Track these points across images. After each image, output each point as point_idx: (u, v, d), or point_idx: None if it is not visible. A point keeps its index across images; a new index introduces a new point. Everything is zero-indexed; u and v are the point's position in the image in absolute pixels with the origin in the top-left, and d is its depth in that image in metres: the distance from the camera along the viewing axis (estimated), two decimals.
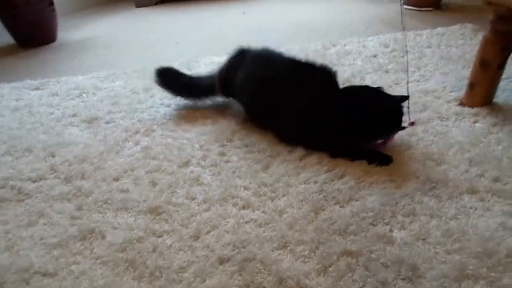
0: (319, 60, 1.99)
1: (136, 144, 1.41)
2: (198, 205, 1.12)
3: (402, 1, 2.77)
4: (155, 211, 1.10)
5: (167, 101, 1.69)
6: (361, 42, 2.20)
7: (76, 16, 3.13)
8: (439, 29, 2.32)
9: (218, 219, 1.06)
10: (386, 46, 2.12)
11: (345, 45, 2.18)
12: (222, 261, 0.94)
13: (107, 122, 1.55)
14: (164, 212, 1.10)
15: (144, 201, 1.14)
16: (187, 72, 1.93)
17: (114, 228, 1.05)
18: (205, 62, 2.06)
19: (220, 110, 1.61)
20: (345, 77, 1.79)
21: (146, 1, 3.36)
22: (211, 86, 1.56)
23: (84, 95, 1.78)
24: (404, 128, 1.30)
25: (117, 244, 0.99)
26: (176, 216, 1.08)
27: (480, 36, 2.14)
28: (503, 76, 1.61)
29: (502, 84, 1.60)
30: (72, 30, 2.78)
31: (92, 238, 1.02)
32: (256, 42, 2.42)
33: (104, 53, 2.34)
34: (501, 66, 1.40)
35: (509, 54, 1.37)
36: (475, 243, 0.93)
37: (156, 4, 3.41)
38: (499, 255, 0.90)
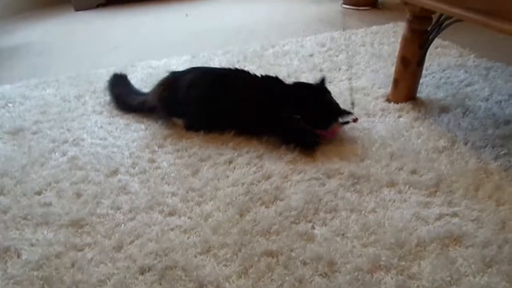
0: (256, 60, 2.03)
1: (63, 154, 1.36)
2: (123, 214, 1.09)
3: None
4: (77, 224, 1.07)
5: (99, 108, 1.64)
6: (299, 42, 2.24)
7: (9, 20, 2.97)
8: (374, 27, 2.40)
9: (142, 227, 1.04)
10: (323, 45, 2.17)
11: (283, 45, 2.21)
12: (143, 271, 0.92)
13: (34, 133, 1.49)
14: (87, 225, 1.07)
15: (67, 214, 1.10)
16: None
17: (32, 245, 1.00)
18: (142, 67, 2.02)
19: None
20: (281, 77, 1.81)
21: (85, 4, 3.25)
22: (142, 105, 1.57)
23: (10, 105, 1.69)
24: (347, 122, 1.35)
25: (33, 262, 0.95)
26: (100, 227, 1.05)
27: None
28: (426, 72, 1.70)
29: (425, 79, 1.70)
30: (2, 36, 2.64)
31: (6, 258, 0.97)
32: (197, 44, 2.43)
33: (37, 60, 2.23)
34: (420, 63, 1.47)
35: (426, 51, 1.44)
36: (389, 235, 0.98)
37: (97, 7, 3.31)
38: (410, 245, 0.94)
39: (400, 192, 1.12)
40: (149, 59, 2.14)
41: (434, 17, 1.38)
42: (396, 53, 1.99)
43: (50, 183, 1.22)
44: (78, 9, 3.25)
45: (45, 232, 1.04)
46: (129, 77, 1.90)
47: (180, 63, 2.04)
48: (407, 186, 1.14)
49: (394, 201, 1.09)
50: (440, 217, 1.02)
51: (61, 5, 3.36)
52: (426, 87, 1.65)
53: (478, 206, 1.05)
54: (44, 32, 2.73)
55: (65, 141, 1.43)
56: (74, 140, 1.44)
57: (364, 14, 2.84)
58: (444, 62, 1.89)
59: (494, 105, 1.50)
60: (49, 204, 1.14)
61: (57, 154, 1.36)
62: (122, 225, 1.06)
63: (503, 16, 1.02)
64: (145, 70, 1.99)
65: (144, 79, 1.87)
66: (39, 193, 1.19)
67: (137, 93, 1.67)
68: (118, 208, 1.12)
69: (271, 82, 1.46)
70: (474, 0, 1.07)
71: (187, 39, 2.47)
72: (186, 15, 2.96)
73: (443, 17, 1.31)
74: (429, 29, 1.40)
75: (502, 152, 1.24)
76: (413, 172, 1.19)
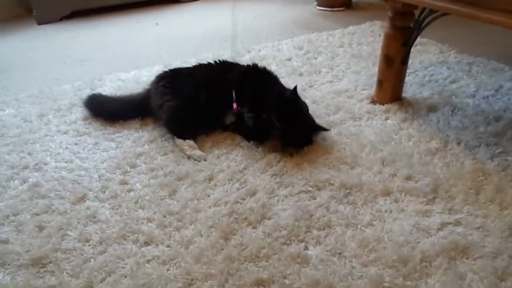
0: None
1: (23, 182, 1.22)
2: (93, 247, 0.97)
3: None
4: (39, 263, 0.93)
5: (64, 127, 1.50)
6: (275, 46, 2.16)
7: None
8: (351, 28, 2.35)
9: (115, 262, 0.92)
10: (300, 49, 2.09)
11: (259, 50, 2.12)
12: None
13: None
14: (50, 263, 0.93)
15: (27, 251, 0.96)
16: (90, 91, 1.77)
17: None
18: (111, 80, 1.89)
19: (128, 129, 1.46)
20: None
21: (48, 17, 3.08)
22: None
23: None
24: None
25: None
26: (65, 265, 0.92)
27: None
28: (409, 70, 1.64)
29: (409, 78, 1.63)
30: None
31: None
32: (168, 54, 2.31)
33: None
34: (404, 61, 1.40)
35: (410, 49, 1.37)
36: (390, 251, 0.89)
37: (60, 20, 3.14)
38: (414, 261, 0.86)
39: (396, 201, 1.04)
40: (118, 71, 2.01)
41: (416, 13, 1.32)
42: (377, 53, 1.94)
43: (7, 216, 1.08)
44: (40, 22, 3.08)
45: (0, 276, 0.90)
46: (96, 91, 1.78)
47: (152, 75, 1.90)
48: (403, 194, 1.06)
49: (391, 212, 1.01)
50: (442, 226, 0.94)
51: (22, 19, 3.18)
52: (410, 86, 1.59)
53: (481, 211, 0.97)
54: (3, 48, 2.55)
55: (26, 167, 1.29)
56: (36, 164, 1.30)
57: (339, 15, 2.79)
58: (425, 60, 1.83)
59: (482, 101, 1.45)
60: (6, 242, 1.00)
61: (16, 182, 1.22)
62: (92, 260, 0.93)
63: (493, 7, 0.95)
64: (114, 83, 1.86)
65: (113, 92, 1.74)
66: None
67: (129, 97, 1.60)
68: (87, 240, 0.99)
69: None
70: None
71: (158, 48, 2.35)
72: (156, 23, 2.84)
73: (425, 12, 1.24)
74: (411, 25, 1.33)
75: (497, 150, 1.17)
76: (408, 178, 1.11)
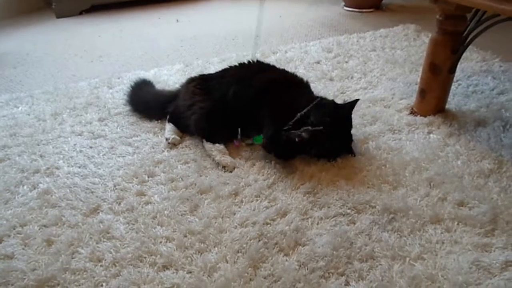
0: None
1: (33, 187, 1.13)
2: (105, 269, 0.87)
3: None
4: (45, 284, 0.84)
5: (79, 128, 1.41)
6: (302, 48, 2.03)
7: None
8: (382, 30, 2.21)
9: (130, 287, 0.82)
10: (329, 51, 1.96)
11: (286, 51, 2.00)
12: None
13: None
14: (58, 285, 0.83)
15: (33, 270, 0.87)
16: (108, 90, 1.68)
17: None
18: (129, 78, 1.79)
19: (146, 132, 1.36)
20: None
21: (68, 10, 3.01)
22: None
23: None
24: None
25: None
26: None
27: (423, 37, 2.06)
28: None
29: (451, 88, 1.49)
30: None
31: None
32: (190, 52, 2.21)
33: (11, 72, 1.99)
34: (452, 70, 1.27)
35: (460, 57, 1.24)
36: None
37: (80, 13, 3.07)
38: None
39: (448, 230, 0.91)
40: (137, 69, 1.92)
41: (469, 16, 1.18)
42: (412, 58, 1.82)
43: (14, 227, 0.99)
44: (60, 16, 3.01)
45: None
46: (114, 89, 1.69)
47: (172, 73, 1.82)
48: (455, 222, 0.93)
49: (443, 243, 0.88)
50: (506, 265, 0.81)
51: (41, 12, 3.12)
52: (454, 97, 1.45)
53: None
54: (21, 41, 2.48)
55: (37, 171, 1.20)
56: (47, 168, 1.20)
57: (368, 16, 2.65)
58: (467, 68, 1.69)
59: None
60: (11, 257, 0.91)
61: (25, 187, 1.13)
62: (104, 285, 0.83)
63: None
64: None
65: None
66: None
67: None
68: (99, 260, 0.89)
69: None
70: None
71: (179, 46, 2.25)
72: (177, 20, 2.74)
73: (485, 16, 1.11)
74: (463, 30, 1.20)
75: None
76: (460, 203, 0.98)
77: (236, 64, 1.42)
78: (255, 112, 1.23)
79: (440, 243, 0.88)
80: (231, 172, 1.15)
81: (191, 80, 1.41)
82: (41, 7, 3.20)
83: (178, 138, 1.29)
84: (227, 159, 1.17)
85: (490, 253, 0.85)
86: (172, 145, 1.27)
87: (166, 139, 1.28)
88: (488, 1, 0.99)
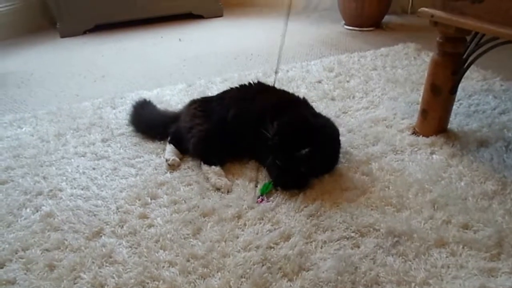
0: None
1: (36, 210, 1.13)
2: None
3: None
4: None
5: (82, 149, 1.41)
6: (304, 67, 2.05)
7: None
8: (383, 49, 2.23)
9: None
10: (331, 70, 1.98)
11: (287, 71, 2.02)
12: None
13: (2, 183, 1.25)
14: None
15: None
16: (111, 110, 1.69)
17: None
18: (132, 98, 1.80)
19: (149, 153, 1.37)
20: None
21: (72, 30, 3.05)
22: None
23: None
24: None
25: None
26: None
27: (424, 56, 2.08)
28: None
29: (453, 107, 1.50)
30: None
31: None
32: (192, 71, 2.23)
33: (15, 92, 2.01)
34: (453, 91, 1.28)
35: (460, 78, 1.25)
36: None
37: (84, 33, 3.11)
38: None
39: (453, 254, 0.91)
40: (140, 89, 1.94)
41: (469, 38, 1.20)
42: (413, 78, 1.83)
43: (16, 251, 0.99)
44: (64, 35, 3.05)
45: None
46: (117, 110, 1.70)
47: (175, 93, 1.84)
48: (460, 246, 0.92)
49: (449, 268, 0.87)
50: None
51: (46, 31, 3.16)
52: (455, 116, 1.46)
53: None
54: (25, 61, 2.51)
55: (40, 193, 1.20)
56: (50, 191, 1.20)
57: (368, 35, 2.68)
58: (468, 87, 1.70)
59: None
60: (13, 282, 0.90)
61: (28, 210, 1.13)
62: None
63: None
64: None
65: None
66: (1, 265, 0.95)
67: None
68: (101, 286, 0.88)
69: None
70: None
71: (181, 66, 2.28)
72: (180, 39, 2.78)
73: (484, 39, 1.12)
74: (463, 51, 1.21)
75: None
76: (465, 226, 0.97)
77: (237, 85, 1.43)
78: (255, 135, 1.23)
79: (446, 268, 0.87)
80: (228, 193, 1.15)
81: (193, 102, 1.43)
82: (45, 26, 3.24)
83: (177, 159, 1.29)
84: (221, 181, 1.17)
85: (497, 278, 0.84)
86: (172, 166, 1.27)
87: (166, 160, 1.29)
88: (487, 25, 1.00)
